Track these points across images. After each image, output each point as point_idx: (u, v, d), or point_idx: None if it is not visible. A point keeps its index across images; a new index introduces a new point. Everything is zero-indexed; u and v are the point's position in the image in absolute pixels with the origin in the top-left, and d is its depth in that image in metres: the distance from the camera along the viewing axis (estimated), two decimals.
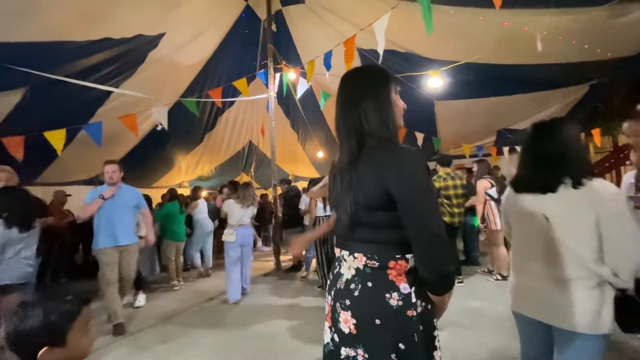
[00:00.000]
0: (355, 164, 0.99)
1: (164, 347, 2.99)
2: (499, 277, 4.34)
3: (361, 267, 0.99)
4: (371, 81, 1.05)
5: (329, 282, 1.12)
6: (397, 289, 0.94)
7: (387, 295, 0.94)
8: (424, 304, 0.98)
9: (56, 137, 3.99)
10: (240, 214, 4.24)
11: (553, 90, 5.42)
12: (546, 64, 4.57)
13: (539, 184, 1.35)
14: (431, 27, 2.30)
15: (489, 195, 4.41)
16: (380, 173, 0.94)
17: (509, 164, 6.86)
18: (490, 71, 4.88)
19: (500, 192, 4.49)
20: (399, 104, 1.07)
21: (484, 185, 4.46)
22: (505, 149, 6.89)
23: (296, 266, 5.58)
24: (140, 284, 4.28)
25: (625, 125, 1.88)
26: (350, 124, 1.03)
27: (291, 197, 5.65)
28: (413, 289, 0.96)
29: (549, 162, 1.34)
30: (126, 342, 3.12)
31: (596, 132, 5.94)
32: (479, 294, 3.82)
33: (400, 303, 0.94)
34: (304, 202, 5.16)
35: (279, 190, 6.06)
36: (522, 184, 1.44)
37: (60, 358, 0.92)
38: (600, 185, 1.25)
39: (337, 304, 1.03)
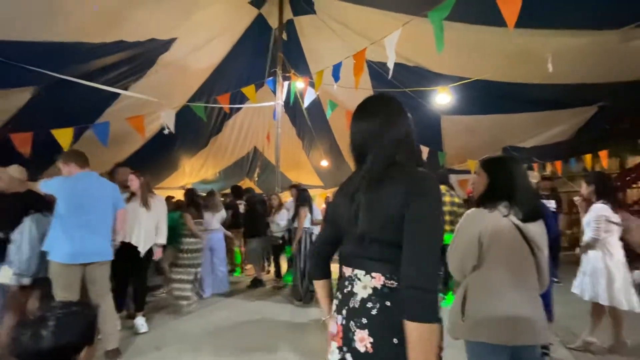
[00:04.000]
0: (378, 186, 1.01)
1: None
2: None
3: (379, 286, 1.00)
4: (398, 111, 1.11)
5: (336, 301, 1.11)
6: None
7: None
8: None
9: (64, 135, 4.04)
10: (208, 220, 4.69)
11: (560, 110, 5.40)
12: (553, 84, 4.56)
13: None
14: (442, 45, 2.31)
15: None
16: (403, 196, 0.97)
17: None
18: (497, 89, 4.87)
19: None
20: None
21: None
22: None
23: (258, 281, 5.34)
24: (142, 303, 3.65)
25: None
26: (382, 147, 1.05)
27: (254, 204, 5.45)
28: None
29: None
30: None
31: (603, 154, 5.91)
32: None
33: None
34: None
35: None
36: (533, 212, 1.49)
37: (90, 355, 1.03)
38: None
39: (352, 323, 1.02)
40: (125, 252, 3.33)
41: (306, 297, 4.39)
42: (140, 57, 4.47)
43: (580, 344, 2.91)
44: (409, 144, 1.08)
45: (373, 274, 1.01)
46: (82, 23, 3.53)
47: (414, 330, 0.88)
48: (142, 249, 3.49)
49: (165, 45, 4.55)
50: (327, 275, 1.24)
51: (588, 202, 2.88)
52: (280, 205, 5.41)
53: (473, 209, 1.57)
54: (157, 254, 3.72)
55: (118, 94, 4.58)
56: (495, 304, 1.41)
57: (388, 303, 0.97)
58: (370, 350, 0.97)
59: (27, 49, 3.39)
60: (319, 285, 1.24)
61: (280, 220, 5.25)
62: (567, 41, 3.77)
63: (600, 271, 2.71)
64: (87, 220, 2.68)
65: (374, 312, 0.98)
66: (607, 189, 2.83)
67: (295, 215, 4.63)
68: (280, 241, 5.43)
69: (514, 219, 1.45)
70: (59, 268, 2.57)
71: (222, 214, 5.03)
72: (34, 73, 3.49)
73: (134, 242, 3.45)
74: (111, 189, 2.97)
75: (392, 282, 0.98)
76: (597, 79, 4.47)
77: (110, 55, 4.11)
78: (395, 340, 0.94)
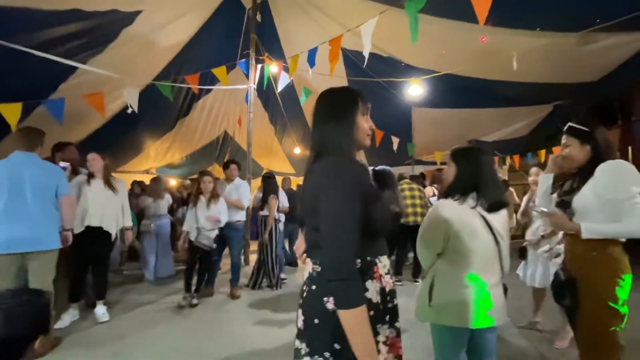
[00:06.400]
0: (306, 178, 1.12)
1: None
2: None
3: (311, 270, 1.09)
4: (337, 103, 1.12)
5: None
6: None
7: (325, 298, 1.01)
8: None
9: (11, 111, 3.68)
10: (153, 206, 4.91)
11: (520, 107, 5.73)
12: (516, 82, 4.82)
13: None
14: (416, 36, 2.35)
15: (430, 202, 4.98)
16: (312, 182, 1.06)
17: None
18: (465, 83, 5.06)
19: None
20: (364, 125, 1.12)
21: (427, 192, 5.25)
22: None
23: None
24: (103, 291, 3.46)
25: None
26: (313, 141, 1.13)
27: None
28: None
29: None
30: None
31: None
32: None
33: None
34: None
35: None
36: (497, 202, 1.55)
37: (46, 344, 1.00)
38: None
39: (299, 303, 1.14)
40: (88, 238, 3.21)
41: (277, 284, 4.44)
42: (101, 29, 4.13)
43: (527, 323, 3.19)
44: (337, 138, 1.07)
45: (310, 259, 1.10)
46: None
47: (340, 318, 0.93)
48: (113, 233, 3.47)
49: (128, 18, 4.23)
50: None
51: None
52: (216, 194, 3.88)
53: (441, 200, 1.61)
54: (128, 237, 3.69)
55: (75, 68, 4.23)
56: (460, 289, 1.49)
57: (314, 287, 1.06)
58: (302, 327, 1.08)
59: None
60: None
61: (213, 214, 3.75)
62: (529, 41, 3.98)
63: (534, 256, 3.00)
64: (19, 206, 2.50)
65: (305, 294, 1.09)
66: None
67: (264, 204, 4.54)
68: (215, 245, 3.86)
69: (480, 210, 1.52)
70: None
71: (168, 199, 5.20)
72: None
73: (105, 227, 3.35)
74: (54, 173, 2.74)
75: (316, 266, 1.06)
76: (555, 79, 4.78)
77: (64, 25, 3.76)
78: (316, 321, 1.03)
